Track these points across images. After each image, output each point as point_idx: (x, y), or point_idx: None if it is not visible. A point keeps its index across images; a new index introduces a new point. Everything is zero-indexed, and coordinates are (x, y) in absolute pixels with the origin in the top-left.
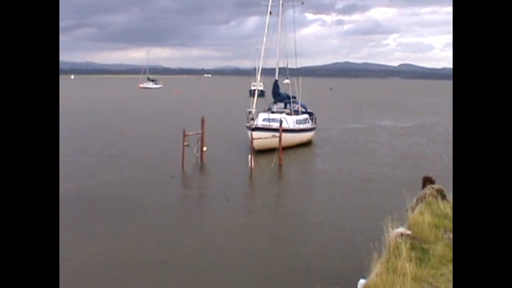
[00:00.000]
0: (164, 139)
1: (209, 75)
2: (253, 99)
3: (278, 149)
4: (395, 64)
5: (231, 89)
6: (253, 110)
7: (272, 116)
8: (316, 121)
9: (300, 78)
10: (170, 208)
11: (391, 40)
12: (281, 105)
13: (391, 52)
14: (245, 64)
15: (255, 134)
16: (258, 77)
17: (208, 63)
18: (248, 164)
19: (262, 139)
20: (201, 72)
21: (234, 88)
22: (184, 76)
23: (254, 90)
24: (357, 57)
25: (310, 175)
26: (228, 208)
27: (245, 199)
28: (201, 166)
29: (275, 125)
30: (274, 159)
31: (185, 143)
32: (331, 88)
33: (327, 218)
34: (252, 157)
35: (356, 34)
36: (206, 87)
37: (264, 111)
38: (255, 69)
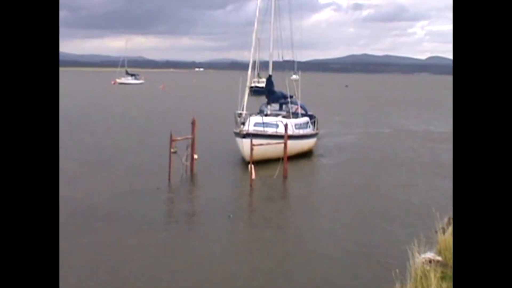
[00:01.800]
0: (147, 144)
1: (202, 69)
2: (244, 98)
3: (282, 158)
4: (423, 57)
5: (227, 85)
6: (244, 113)
7: (266, 119)
8: (318, 125)
9: (300, 72)
10: (154, 225)
11: (419, 28)
12: (276, 106)
13: (418, 42)
14: (244, 56)
15: (247, 141)
16: (249, 72)
17: (201, 54)
18: (246, 175)
19: (255, 148)
20: (191, 65)
21: (230, 84)
22: (172, 69)
23: (255, 87)
24: (377, 49)
25: (321, 188)
26: (227, 227)
27: (244, 216)
28: (191, 176)
29: (271, 130)
30: (277, 169)
31: (172, 150)
32: (346, 86)
33: (341, 240)
34: (252, 167)
35: (377, 21)
36: (197, 83)
37: (256, 114)
38: (255, 62)
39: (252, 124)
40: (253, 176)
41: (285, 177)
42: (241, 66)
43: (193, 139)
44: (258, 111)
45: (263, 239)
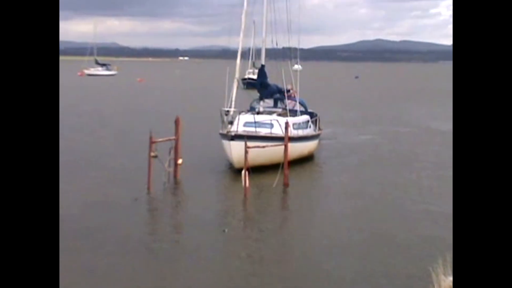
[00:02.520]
0: (124, 147)
1: (186, 58)
2: (232, 93)
3: (278, 163)
4: (448, 42)
5: (217, 76)
6: (232, 110)
7: (258, 118)
8: (321, 124)
9: (298, 60)
10: (132, 243)
11: (443, 8)
12: (270, 102)
13: (443, 25)
14: (238, 43)
15: (235, 145)
16: (238, 61)
17: (185, 41)
18: (240, 183)
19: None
20: (174, 53)
21: (220, 75)
22: (151, 58)
23: (248, 79)
24: (394, 33)
25: (328, 199)
26: (220, 244)
27: (240, 231)
28: (175, 185)
29: (264, 131)
30: (277, 176)
31: (152, 154)
32: (356, 77)
33: (355, 259)
34: (246, 174)
35: (393, 0)
36: (181, 74)
37: (246, 112)
38: (251, 49)
39: (241, 123)
40: (247, 184)
41: (286, 185)
42: (234, 55)
43: (176, 141)
44: (248, 108)
45: (264, 257)
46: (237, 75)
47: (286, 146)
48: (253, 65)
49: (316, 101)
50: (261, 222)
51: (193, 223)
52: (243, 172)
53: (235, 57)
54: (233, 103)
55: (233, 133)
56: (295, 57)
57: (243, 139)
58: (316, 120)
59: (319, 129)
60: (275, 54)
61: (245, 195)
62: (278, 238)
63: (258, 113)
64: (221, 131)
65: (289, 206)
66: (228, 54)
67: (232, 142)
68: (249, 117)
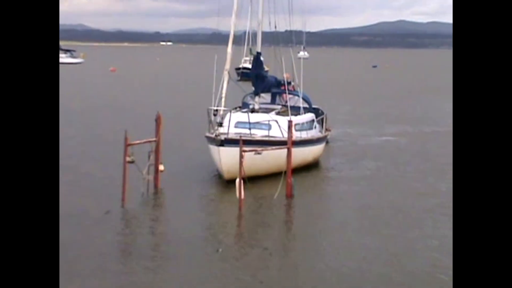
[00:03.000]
0: (94, 149)
1: (169, 43)
2: (222, 87)
3: (277, 172)
4: None
5: (205, 66)
6: (221, 109)
7: (253, 117)
8: (327, 124)
9: (303, 47)
10: (103, 266)
11: None
12: (267, 97)
13: None
14: (228, 26)
15: (225, 151)
16: (229, 48)
17: (168, 23)
18: (234, 194)
19: (236, 160)
20: (155, 37)
21: (209, 64)
22: (126, 44)
23: (242, 68)
24: (420, 13)
25: (341, 212)
26: (212, 266)
27: (237, 251)
28: (156, 195)
29: (260, 133)
30: (279, 186)
31: (128, 159)
32: (375, 66)
33: (373, 284)
34: (241, 184)
35: None
36: (162, 62)
37: (237, 109)
38: (247, 33)
39: (233, 124)
40: (242, 195)
41: (289, 196)
42: (226, 39)
43: (157, 143)
44: (241, 104)
45: (267, 280)
46: (227, 66)
47: (289, 150)
48: (250, 52)
49: (325, 95)
50: (261, 240)
51: (177, 241)
52: (237, 181)
53: (227, 42)
54: (223, 100)
55: (222, 137)
56: (300, 43)
57: (235, 144)
58: (322, 119)
59: (326, 130)
60: (276, 39)
61: (240, 209)
62: (282, 259)
63: (252, 111)
64: (208, 134)
65: (293, 221)
66: (219, 38)
67: (222, 148)
68: (242, 116)
